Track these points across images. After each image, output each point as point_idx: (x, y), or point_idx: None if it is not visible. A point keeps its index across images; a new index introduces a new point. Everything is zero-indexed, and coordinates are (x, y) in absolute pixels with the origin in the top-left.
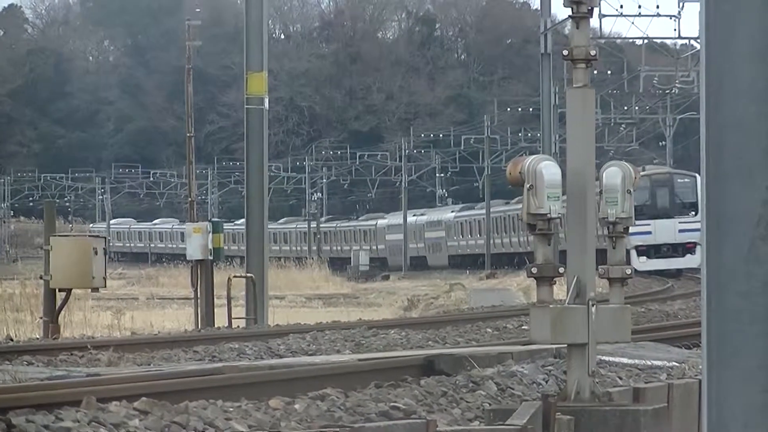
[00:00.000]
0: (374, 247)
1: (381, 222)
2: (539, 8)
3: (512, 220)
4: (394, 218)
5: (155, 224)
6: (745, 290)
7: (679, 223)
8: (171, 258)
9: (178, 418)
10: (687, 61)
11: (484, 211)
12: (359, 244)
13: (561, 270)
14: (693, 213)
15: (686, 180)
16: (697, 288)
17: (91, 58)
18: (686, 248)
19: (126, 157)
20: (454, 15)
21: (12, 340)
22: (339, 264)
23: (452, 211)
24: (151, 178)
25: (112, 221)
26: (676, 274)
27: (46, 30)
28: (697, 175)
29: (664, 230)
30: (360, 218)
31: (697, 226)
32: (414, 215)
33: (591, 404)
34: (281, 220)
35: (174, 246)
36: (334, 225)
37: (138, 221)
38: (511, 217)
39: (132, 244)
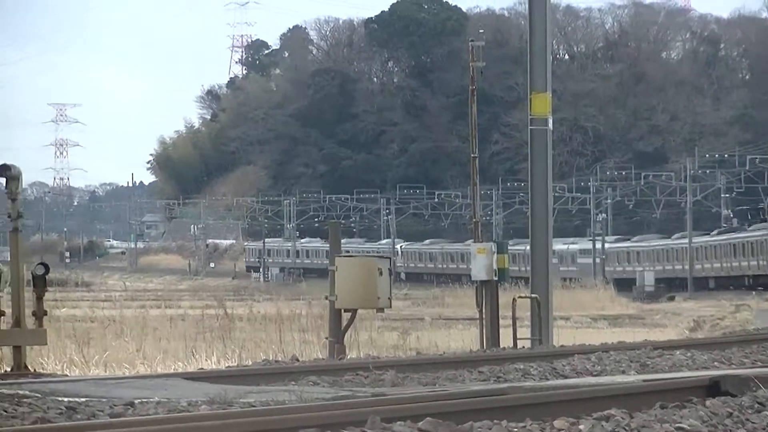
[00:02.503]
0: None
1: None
2: None
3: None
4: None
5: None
6: None
7: None
8: (455, 278)
9: None
10: None
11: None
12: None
13: None
14: None
15: None
16: None
17: (375, 79)
18: None
19: (410, 178)
20: (738, 35)
21: (298, 360)
22: (624, 284)
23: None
24: (436, 199)
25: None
26: None
27: (331, 51)
28: None
29: None
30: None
31: None
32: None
33: None
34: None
35: (444, 266)
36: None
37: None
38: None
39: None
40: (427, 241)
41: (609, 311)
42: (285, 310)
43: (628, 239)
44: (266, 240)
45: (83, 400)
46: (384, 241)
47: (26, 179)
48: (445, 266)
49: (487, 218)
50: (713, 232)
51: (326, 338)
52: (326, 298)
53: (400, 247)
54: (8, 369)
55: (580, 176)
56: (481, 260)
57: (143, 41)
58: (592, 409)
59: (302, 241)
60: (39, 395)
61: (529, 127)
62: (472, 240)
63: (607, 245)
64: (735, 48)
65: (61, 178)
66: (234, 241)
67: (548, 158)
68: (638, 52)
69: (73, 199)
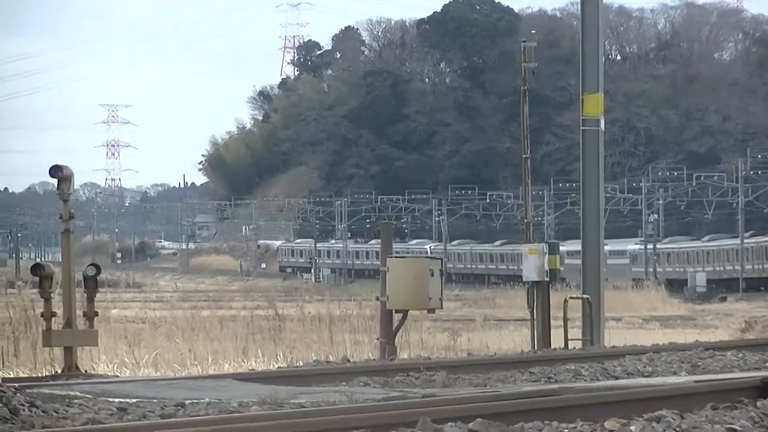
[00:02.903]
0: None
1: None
2: None
3: None
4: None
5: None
6: None
7: None
8: (507, 279)
9: None
10: None
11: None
12: None
13: None
14: None
15: None
16: None
17: (427, 80)
18: None
19: (462, 178)
20: None
21: (349, 360)
22: (675, 285)
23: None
24: (488, 200)
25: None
26: None
27: (383, 52)
28: None
29: None
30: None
31: None
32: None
33: None
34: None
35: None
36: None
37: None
38: None
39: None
40: (455, 242)
41: (660, 312)
42: (336, 311)
43: (656, 241)
44: (298, 240)
45: (134, 401)
46: (414, 242)
47: (78, 180)
48: (474, 266)
49: (539, 219)
50: (746, 235)
51: (377, 339)
52: (377, 298)
53: (429, 247)
54: (59, 370)
55: (632, 177)
56: (532, 261)
57: (195, 42)
58: (643, 409)
59: (333, 241)
60: (90, 396)
61: (581, 128)
62: (500, 241)
63: (640, 247)
64: None
65: (113, 179)
66: (285, 242)
67: (600, 159)
68: (690, 53)
69: (124, 199)
